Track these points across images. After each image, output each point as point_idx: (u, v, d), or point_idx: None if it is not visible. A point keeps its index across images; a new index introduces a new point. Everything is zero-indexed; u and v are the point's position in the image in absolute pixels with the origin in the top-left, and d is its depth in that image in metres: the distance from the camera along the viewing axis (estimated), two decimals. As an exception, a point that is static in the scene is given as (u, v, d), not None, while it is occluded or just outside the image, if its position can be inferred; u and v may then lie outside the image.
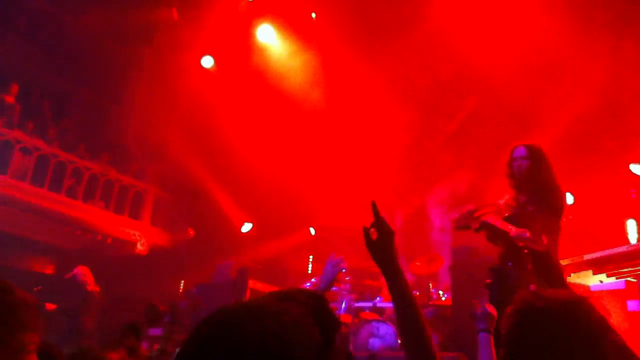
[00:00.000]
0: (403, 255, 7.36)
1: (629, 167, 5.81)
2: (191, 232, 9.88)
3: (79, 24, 9.57)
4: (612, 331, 1.45)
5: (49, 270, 9.97)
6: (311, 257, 8.62)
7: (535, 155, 3.63)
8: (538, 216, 3.40)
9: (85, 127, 10.23)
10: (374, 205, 1.67)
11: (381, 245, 1.64)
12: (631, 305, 4.23)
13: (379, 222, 1.66)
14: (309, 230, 9.03)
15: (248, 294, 6.29)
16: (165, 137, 9.77)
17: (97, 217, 9.20)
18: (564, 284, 3.34)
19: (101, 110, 10.52)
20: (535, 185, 3.56)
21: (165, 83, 9.77)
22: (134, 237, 9.57)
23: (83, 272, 6.12)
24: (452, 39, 6.98)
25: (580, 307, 1.45)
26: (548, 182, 3.55)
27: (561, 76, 6.66)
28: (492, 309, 2.33)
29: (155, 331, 6.70)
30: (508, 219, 3.51)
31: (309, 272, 7.98)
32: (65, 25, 9.80)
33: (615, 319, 3.96)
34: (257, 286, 6.41)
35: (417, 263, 6.68)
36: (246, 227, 9.33)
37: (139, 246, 9.54)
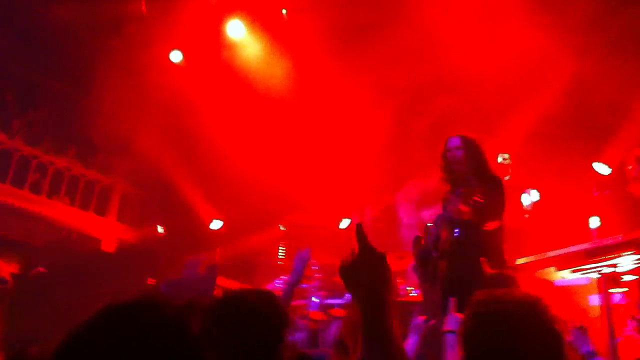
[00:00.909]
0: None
1: (592, 166, 5.95)
2: (160, 229, 9.74)
3: (48, 14, 9.33)
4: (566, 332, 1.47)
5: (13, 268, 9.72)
6: (282, 251, 8.59)
7: (469, 145, 3.71)
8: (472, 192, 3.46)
9: (52, 120, 10.00)
10: (359, 229, 1.37)
11: (365, 275, 1.36)
12: (593, 300, 4.34)
13: (365, 248, 1.39)
14: (279, 227, 9.00)
15: (216, 291, 6.23)
16: (134, 132, 9.61)
17: (61, 212, 9.00)
18: (502, 263, 3.40)
19: (68, 103, 10.28)
20: (470, 173, 3.63)
21: (134, 77, 9.59)
22: (99, 234, 9.40)
23: None
24: (428, 39, 7.04)
25: (535, 308, 1.47)
26: (482, 170, 3.62)
27: (530, 77, 6.78)
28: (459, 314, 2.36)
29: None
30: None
31: (280, 269, 7.93)
32: (35, 15, 9.54)
33: (579, 314, 4.05)
34: (225, 283, 6.35)
35: (388, 259, 6.70)
36: (216, 225, 9.24)
37: (104, 243, 9.38)
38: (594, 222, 5.39)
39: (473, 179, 3.67)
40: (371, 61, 7.80)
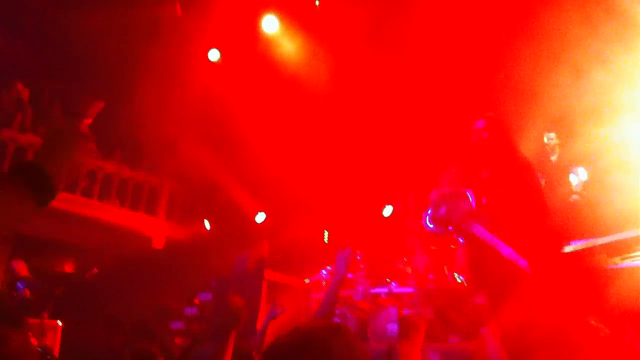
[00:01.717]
0: (419, 237, 7.37)
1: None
2: (207, 225, 9.94)
3: (82, 26, 9.59)
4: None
5: (69, 269, 10.12)
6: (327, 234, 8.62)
7: (494, 127, 3.55)
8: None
9: (97, 127, 10.30)
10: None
11: None
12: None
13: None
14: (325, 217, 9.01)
15: (264, 286, 6.33)
16: (176, 132, 9.82)
17: (112, 214, 9.30)
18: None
19: (111, 110, 10.56)
20: (495, 157, 3.48)
21: (173, 78, 9.80)
22: (149, 232, 9.68)
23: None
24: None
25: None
26: (509, 153, 3.46)
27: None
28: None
29: (177, 325, 6.80)
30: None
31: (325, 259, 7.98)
32: (73, 25, 9.83)
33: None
34: (273, 277, 6.45)
35: (432, 247, 6.67)
36: (260, 217, 9.37)
37: (154, 241, 9.66)
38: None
39: (498, 163, 3.55)
40: (408, 48, 7.71)
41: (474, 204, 3.57)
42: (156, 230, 9.75)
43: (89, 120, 1.29)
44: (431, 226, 3.81)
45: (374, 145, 8.23)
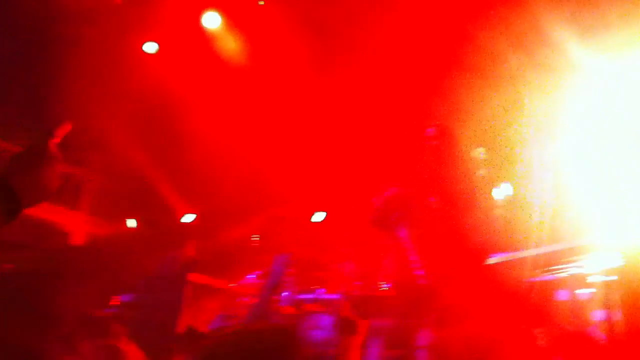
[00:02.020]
0: (348, 245, 7.41)
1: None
2: (132, 223, 9.63)
3: (15, 4, 9.09)
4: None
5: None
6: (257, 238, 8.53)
7: (443, 136, 3.63)
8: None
9: (23, 114, 9.78)
10: None
11: None
12: (561, 295, 4.39)
13: None
14: (257, 220, 8.94)
15: (190, 288, 6.17)
16: (107, 125, 9.45)
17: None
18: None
19: (39, 97, 10.06)
20: (440, 172, 3.57)
21: (107, 69, 9.42)
22: (68, 227, 9.26)
23: None
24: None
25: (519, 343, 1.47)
26: (453, 169, 3.55)
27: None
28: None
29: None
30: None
31: (255, 263, 7.88)
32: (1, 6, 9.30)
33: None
34: (198, 279, 6.30)
35: (363, 253, 6.72)
36: (188, 218, 9.16)
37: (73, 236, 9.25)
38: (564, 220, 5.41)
39: (443, 171, 3.63)
40: (355, 54, 7.77)
41: (413, 209, 3.63)
42: (77, 225, 9.33)
43: (57, 140, 1.23)
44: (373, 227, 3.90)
45: (311, 149, 8.24)
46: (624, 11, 5.16)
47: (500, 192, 5.78)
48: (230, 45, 8.40)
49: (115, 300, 6.77)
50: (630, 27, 5.04)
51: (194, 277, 6.13)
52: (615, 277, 3.48)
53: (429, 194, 3.55)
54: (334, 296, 6.24)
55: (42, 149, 1.21)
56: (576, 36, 5.39)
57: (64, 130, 1.27)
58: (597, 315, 3.70)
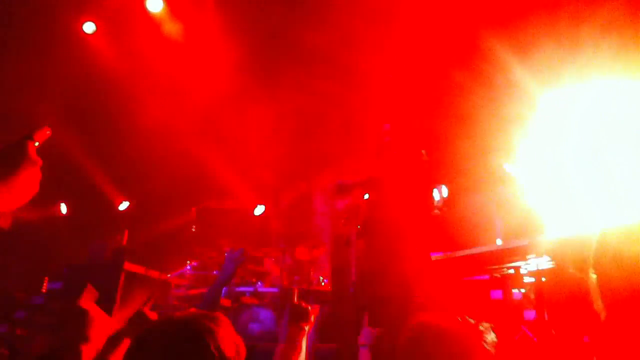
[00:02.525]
0: (285, 240, 7.43)
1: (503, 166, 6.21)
2: (63, 208, 9.23)
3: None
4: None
5: None
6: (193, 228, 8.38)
7: (398, 132, 3.86)
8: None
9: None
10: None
11: None
12: (494, 294, 4.59)
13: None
14: (192, 212, 8.79)
15: (122, 277, 5.99)
16: (37, 106, 8.99)
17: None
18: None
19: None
20: (396, 160, 3.78)
21: (39, 49, 8.96)
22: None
23: None
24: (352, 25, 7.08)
25: (474, 337, 1.54)
26: (409, 157, 3.77)
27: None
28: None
29: (19, 314, 6.24)
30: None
31: (190, 256, 7.75)
32: None
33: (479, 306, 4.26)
34: (133, 268, 6.12)
35: (300, 248, 6.75)
36: (123, 205, 8.89)
37: None
38: (499, 224, 5.64)
39: (396, 165, 3.80)
40: (288, 43, 7.79)
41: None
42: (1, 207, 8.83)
43: (38, 143, 1.20)
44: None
45: (253, 139, 8.18)
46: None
47: (439, 194, 5.95)
48: (172, 28, 8.22)
49: (44, 288, 6.50)
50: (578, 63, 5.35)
51: (127, 265, 5.95)
52: (544, 279, 3.68)
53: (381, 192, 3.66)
54: (272, 289, 6.25)
55: (21, 152, 1.19)
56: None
57: (43, 135, 1.25)
58: (528, 314, 3.90)
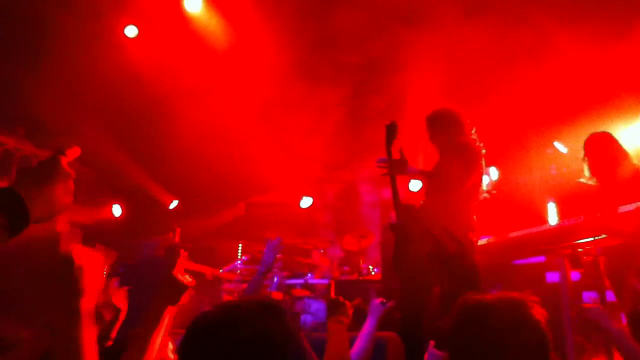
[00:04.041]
0: (334, 230, 7.41)
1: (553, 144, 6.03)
2: (116, 210, 9.48)
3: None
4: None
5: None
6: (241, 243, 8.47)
7: (434, 119, 3.91)
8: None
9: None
10: None
11: None
12: (550, 277, 4.44)
13: None
14: (241, 207, 8.89)
15: (179, 272, 6.08)
16: (85, 110, 9.25)
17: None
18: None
19: (15, 82, 9.79)
20: (444, 146, 3.77)
21: (84, 53, 9.20)
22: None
23: None
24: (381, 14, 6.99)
25: (521, 310, 1.49)
26: (447, 141, 3.72)
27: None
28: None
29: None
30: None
31: (239, 250, 7.83)
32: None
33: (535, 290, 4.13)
34: (186, 265, 6.21)
35: (348, 239, 6.72)
36: (173, 204, 9.05)
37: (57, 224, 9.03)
38: (552, 207, 5.48)
39: (442, 152, 3.85)
40: (327, 36, 7.73)
41: None
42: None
43: (69, 159, 1.29)
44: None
45: (297, 132, 8.18)
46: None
47: (489, 177, 5.82)
48: (212, 30, 8.27)
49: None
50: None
51: (181, 262, 6.04)
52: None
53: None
54: (322, 281, 6.24)
55: (55, 165, 1.26)
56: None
57: (75, 152, 1.34)
58: (588, 295, 3.76)
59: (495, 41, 6.48)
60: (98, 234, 8.75)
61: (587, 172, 3.94)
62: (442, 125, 3.91)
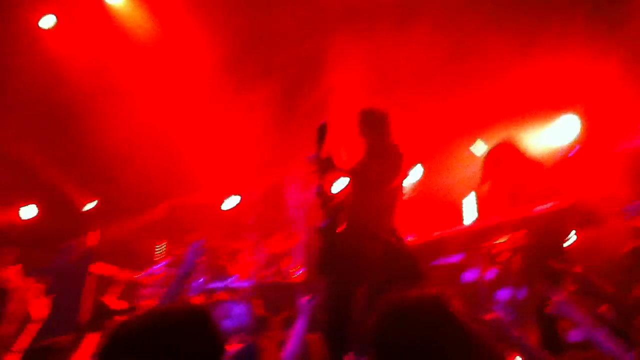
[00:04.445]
0: (259, 231, 7.32)
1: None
2: (30, 211, 8.94)
3: None
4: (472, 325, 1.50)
5: None
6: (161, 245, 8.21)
7: (361, 117, 3.93)
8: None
9: None
10: None
11: None
12: (466, 276, 4.57)
13: None
14: (163, 208, 8.61)
15: (92, 279, 5.82)
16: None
17: None
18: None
19: None
20: (370, 147, 3.87)
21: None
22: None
23: None
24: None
25: (441, 305, 1.51)
26: (373, 141, 3.84)
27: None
28: None
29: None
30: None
31: (162, 253, 7.58)
32: None
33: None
34: (102, 270, 5.95)
35: (273, 240, 6.66)
36: (90, 205, 8.66)
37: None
38: (469, 202, 5.63)
39: (368, 150, 3.94)
40: (257, 34, 7.66)
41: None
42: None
43: None
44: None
45: (223, 131, 8.03)
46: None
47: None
48: (136, 23, 7.99)
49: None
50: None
51: (95, 267, 5.78)
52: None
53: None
54: (245, 284, 6.14)
55: None
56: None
57: None
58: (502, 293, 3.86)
59: (423, 48, 6.64)
60: (10, 236, 8.29)
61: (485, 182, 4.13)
62: (371, 124, 4.00)
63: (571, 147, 5.72)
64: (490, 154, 4.22)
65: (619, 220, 3.61)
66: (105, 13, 7.92)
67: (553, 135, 6.07)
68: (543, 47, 6.20)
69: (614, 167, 4.74)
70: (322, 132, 3.74)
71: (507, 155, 4.06)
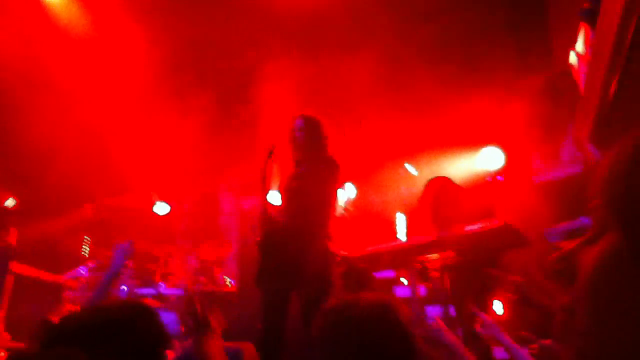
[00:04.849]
0: (190, 239, 7.24)
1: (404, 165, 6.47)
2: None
3: None
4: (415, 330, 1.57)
5: None
6: (87, 239, 7.95)
7: (309, 127, 3.98)
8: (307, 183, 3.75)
9: None
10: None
11: None
12: (398, 291, 4.76)
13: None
14: (89, 208, 8.33)
15: (11, 279, 5.56)
16: None
17: None
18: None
19: None
20: (307, 156, 3.91)
21: None
22: None
23: None
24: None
25: (386, 311, 1.54)
26: (319, 153, 3.87)
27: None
28: None
29: None
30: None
31: (86, 255, 7.33)
32: None
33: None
34: (22, 270, 5.70)
35: (205, 248, 6.62)
36: (9, 203, 8.23)
37: None
38: (401, 219, 5.86)
39: (309, 162, 3.91)
40: (197, 41, 7.62)
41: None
42: None
43: None
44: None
45: (156, 136, 7.89)
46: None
47: (344, 193, 6.09)
48: (70, 17, 7.73)
49: None
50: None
51: (16, 267, 5.54)
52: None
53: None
54: (176, 291, 6.06)
55: None
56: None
57: None
58: (431, 310, 4.07)
59: (361, 74, 6.86)
60: None
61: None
62: (309, 135, 4.01)
63: (494, 175, 6.07)
64: (428, 186, 4.40)
65: (543, 242, 3.90)
66: (39, 4, 7.62)
67: (476, 164, 6.44)
68: (471, 85, 6.59)
69: (534, 196, 5.11)
70: (270, 153, 3.83)
71: (444, 187, 4.26)
